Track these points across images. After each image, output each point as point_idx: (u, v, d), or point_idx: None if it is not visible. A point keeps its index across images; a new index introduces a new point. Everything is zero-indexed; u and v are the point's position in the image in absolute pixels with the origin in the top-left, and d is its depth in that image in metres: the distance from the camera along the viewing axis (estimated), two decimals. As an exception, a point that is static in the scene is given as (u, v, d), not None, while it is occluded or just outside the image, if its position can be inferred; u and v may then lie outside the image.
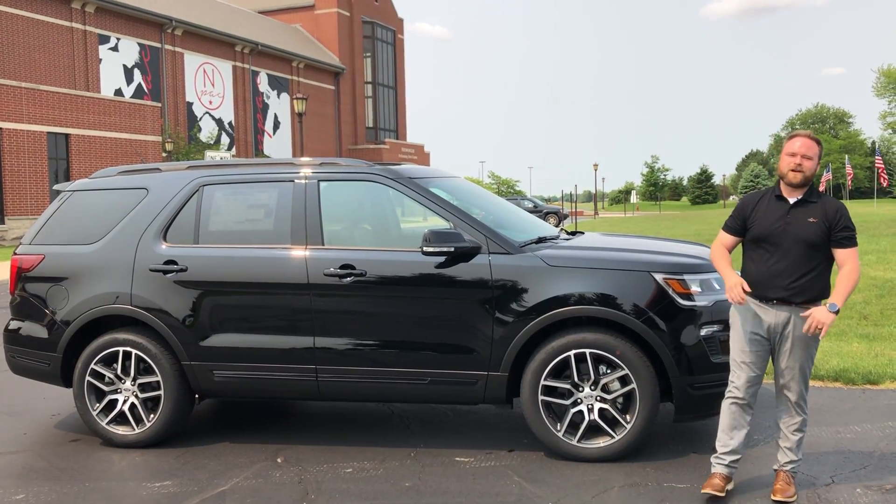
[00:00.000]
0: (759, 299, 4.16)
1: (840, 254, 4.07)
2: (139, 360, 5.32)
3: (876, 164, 51.57)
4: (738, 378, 4.22)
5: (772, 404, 4.94)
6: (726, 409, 4.26)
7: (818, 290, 4.10)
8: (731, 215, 4.33)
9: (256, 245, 5.30)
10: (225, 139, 48.08)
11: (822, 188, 73.21)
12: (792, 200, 4.15)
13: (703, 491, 4.19)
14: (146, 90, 41.75)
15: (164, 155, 36.55)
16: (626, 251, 5.13)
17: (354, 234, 5.56)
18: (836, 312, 3.95)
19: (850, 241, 4.07)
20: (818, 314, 3.95)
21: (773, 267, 4.10)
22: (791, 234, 4.07)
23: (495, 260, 4.90)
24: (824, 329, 3.95)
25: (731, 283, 4.08)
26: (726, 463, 4.25)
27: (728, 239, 4.32)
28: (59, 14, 36.88)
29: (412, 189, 5.21)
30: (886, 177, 56.90)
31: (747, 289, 4.06)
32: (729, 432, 4.25)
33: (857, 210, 46.29)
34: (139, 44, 41.49)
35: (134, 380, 5.34)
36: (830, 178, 71.61)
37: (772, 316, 4.14)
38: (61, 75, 36.66)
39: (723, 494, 4.16)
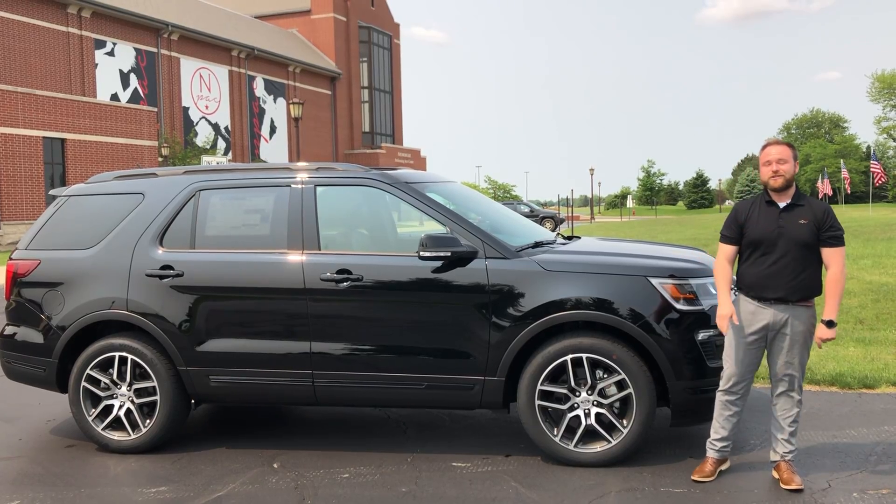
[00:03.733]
0: (757, 300, 4.36)
1: (828, 252, 4.30)
2: (135, 365, 5.31)
3: (871, 169, 51.63)
4: (732, 374, 4.44)
5: (767, 409, 4.94)
6: (719, 401, 4.51)
7: (812, 288, 4.33)
8: (726, 225, 4.50)
9: (253, 250, 5.29)
10: (221, 144, 48.06)
11: (821, 195, 73.49)
12: (782, 205, 4.37)
13: (692, 478, 4.46)
14: (142, 95, 41.73)
15: (160, 160, 36.52)
16: (622, 256, 5.13)
17: (351, 238, 5.56)
18: (835, 325, 4.26)
19: (837, 240, 4.30)
20: (821, 333, 4.27)
21: (771, 269, 4.30)
22: (786, 237, 4.29)
23: (492, 264, 4.90)
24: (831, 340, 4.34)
25: (722, 311, 4.31)
26: (717, 448, 4.53)
27: (729, 249, 4.49)
28: (55, 19, 36.87)
29: (409, 194, 5.22)
30: (885, 176, 56.54)
31: (736, 321, 4.30)
32: (722, 421, 4.51)
33: (853, 214, 46.39)
34: (135, 48, 41.49)
35: (130, 385, 5.33)
36: (828, 182, 71.71)
37: (770, 315, 4.34)
38: (57, 80, 36.64)
39: (713, 479, 4.45)
